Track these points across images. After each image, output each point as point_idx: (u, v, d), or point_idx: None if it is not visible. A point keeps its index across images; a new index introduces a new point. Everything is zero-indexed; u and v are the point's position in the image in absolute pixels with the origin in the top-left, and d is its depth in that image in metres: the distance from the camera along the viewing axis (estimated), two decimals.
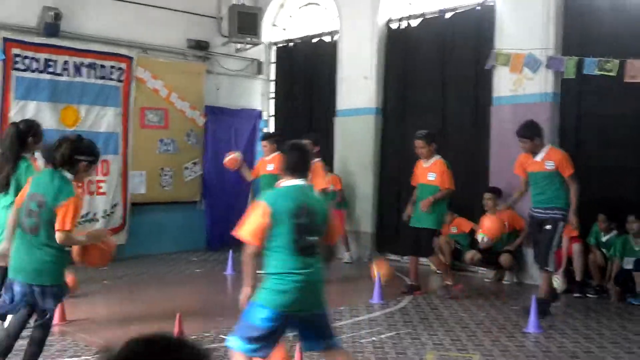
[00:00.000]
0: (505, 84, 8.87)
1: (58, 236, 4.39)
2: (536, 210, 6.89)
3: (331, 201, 10.25)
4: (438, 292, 7.73)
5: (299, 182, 3.92)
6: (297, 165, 3.94)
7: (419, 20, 10.24)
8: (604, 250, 7.77)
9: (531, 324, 6.07)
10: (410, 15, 10.36)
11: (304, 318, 3.87)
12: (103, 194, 10.40)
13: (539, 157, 6.85)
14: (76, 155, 4.55)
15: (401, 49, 10.39)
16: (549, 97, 8.53)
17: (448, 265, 8.42)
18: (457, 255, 9.38)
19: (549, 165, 6.76)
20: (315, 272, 3.86)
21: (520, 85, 8.74)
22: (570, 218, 6.72)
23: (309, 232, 3.81)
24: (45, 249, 4.42)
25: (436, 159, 7.75)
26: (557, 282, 7.82)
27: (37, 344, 4.58)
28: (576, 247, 7.80)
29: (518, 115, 8.67)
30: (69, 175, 4.54)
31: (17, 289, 4.40)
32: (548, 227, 6.70)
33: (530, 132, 6.85)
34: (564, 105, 8.57)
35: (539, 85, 8.59)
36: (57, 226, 4.38)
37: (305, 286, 3.81)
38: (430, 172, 7.67)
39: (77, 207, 4.50)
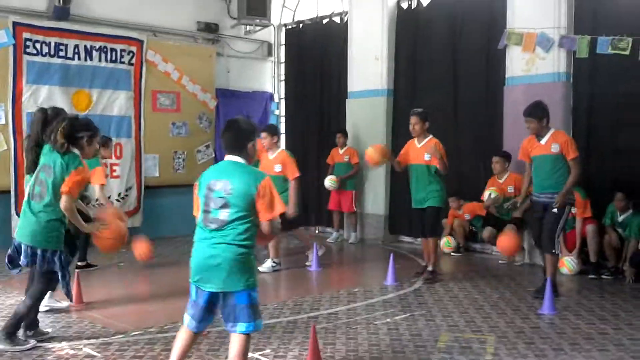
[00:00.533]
0: (517, 63, 8.80)
1: (62, 199, 4.87)
2: (542, 195, 6.74)
3: (347, 174, 10.42)
4: (424, 277, 7.58)
5: (232, 158, 3.95)
6: (230, 143, 3.97)
7: None
8: (619, 230, 7.73)
9: (546, 306, 6.08)
10: None
11: (214, 294, 3.83)
12: (117, 177, 10.47)
13: (544, 140, 6.75)
14: (75, 133, 5.04)
15: (412, 29, 10.32)
16: (562, 77, 8.46)
17: (438, 255, 8.10)
18: (472, 237, 9.43)
19: (555, 149, 6.66)
20: (220, 247, 3.78)
21: (533, 64, 8.67)
22: (558, 197, 6.55)
23: (221, 206, 3.79)
24: (46, 214, 4.94)
25: (430, 138, 7.57)
26: (572, 264, 7.82)
27: (30, 295, 5.14)
28: (590, 228, 7.77)
29: (531, 95, 8.61)
30: (76, 151, 5.04)
31: (22, 249, 5.00)
32: (555, 210, 6.61)
33: (538, 112, 6.74)
34: (577, 85, 8.50)
35: (551, 64, 8.52)
36: (62, 189, 4.88)
37: (208, 260, 3.80)
38: (426, 152, 7.45)
39: (83, 177, 5.00)
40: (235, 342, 3.83)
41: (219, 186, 3.83)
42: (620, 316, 5.97)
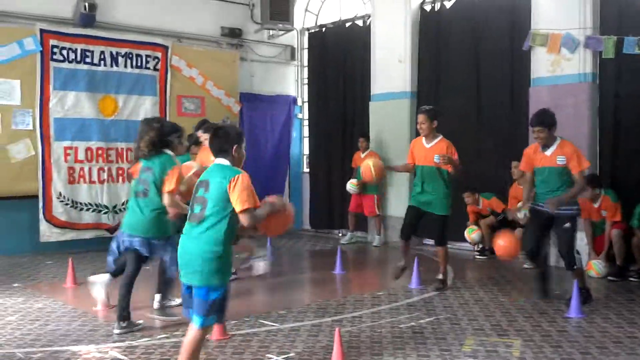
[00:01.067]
0: (542, 64, 8.73)
1: (165, 198, 5.50)
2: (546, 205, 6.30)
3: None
4: (435, 285, 7.31)
5: (218, 161, 4.21)
6: (217, 147, 4.22)
7: (453, 1, 10.11)
8: None
9: (573, 309, 6.01)
10: None
11: (187, 285, 4.08)
12: None
13: (549, 152, 6.37)
14: (165, 137, 5.71)
15: (435, 31, 10.28)
16: (587, 78, 8.38)
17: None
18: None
19: (561, 161, 6.27)
20: (193, 241, 4.02)
21: (558, 65, 8.59)
22: (552, 199, 6.19)
23: (200, 203, 4.05)
24: (150, 208, 5.57)
25: (440, 139, 7.19)
26: (599, 267, 7.73)
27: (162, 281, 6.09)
28: (615, 232, 7.67)
29: (556, 96, 8.57)
30: (169, 152, 5.73)
31: (124, 239, 5.63)
32: (567, 225, 6.28)
33: (548, 120, 6.32)
34: (603, 86, 8.41)
35: (577, 65, 8.43)
36: (163, 189, 5.50)
37: (183, 254, 4.08)
38: (435, 154, 7.06)
39: (179, 174, 5.57)
40: (190, 331, 4.06)
41: (202, 185, 4.10)
42: None
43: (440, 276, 7.39)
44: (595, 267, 7.73)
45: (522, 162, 6.76)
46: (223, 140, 4.22)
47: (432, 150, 7.12)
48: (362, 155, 10.71)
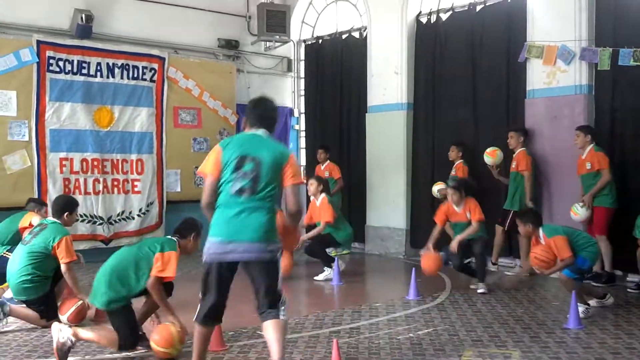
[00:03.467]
0: (538, 76, 8.76)
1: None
2: None
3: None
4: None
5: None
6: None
7: (449, 14, 10.16)
8: None
9: (571, 320, 6.00)
10: (439, 9, 10.29)
11: None
12: (138, 192, 10.57)
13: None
14: None
15: (431, 43, 10.32)
16: (583, 89, 8.41)
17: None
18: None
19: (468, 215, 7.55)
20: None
21: (554, 77, 8.63)
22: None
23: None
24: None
25: (467, 199, 7.82)
26: (579, 209, 7.91)
27: None
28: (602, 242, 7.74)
29: (552, 108, 8.62)
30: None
31: None
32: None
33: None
34: (599, 98, 8.44)
35: (572, 77, 8.47)
36: None
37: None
38: (467, 212, 7.78)
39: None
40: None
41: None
42: None
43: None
44: (574, 209, 7.90)
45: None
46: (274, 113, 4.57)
47: (464, 211, 7.84)
48: (322, 167, 10.80)
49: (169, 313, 5.27)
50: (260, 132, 4.32)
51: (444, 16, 10.22)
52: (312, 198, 9.03)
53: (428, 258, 7.65)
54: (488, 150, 9.00)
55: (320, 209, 8.71)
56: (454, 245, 7.66)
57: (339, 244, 8.91)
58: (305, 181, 4.23)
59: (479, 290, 7.57)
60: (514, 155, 8.72)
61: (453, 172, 9.43)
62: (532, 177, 8.54)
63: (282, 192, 4.26)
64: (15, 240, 6.93)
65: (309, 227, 8.97)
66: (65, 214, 6.35)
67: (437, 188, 9.52)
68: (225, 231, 4.15)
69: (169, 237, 5.62)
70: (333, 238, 8.76)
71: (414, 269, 7.71)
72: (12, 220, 7.21)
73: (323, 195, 8.78)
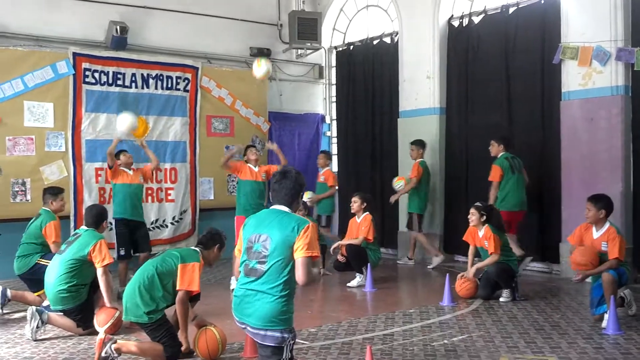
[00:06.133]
0: (573, 78, 8.63)
1: None
2: None
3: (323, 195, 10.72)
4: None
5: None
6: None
7: (481, 16, 10.08)
8: None
9: (610, 325, 5.87)
10: (471, 12, 10.21)
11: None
12: (172, 201, 10.67)
13: (597, 234, 6.41)
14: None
15: (463, 47, 10.24)
16: (620, 90, 8.25)
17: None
18: None
19: (604, 247, 6.32)
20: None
21: (590, 79, 8.49)
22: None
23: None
24: None
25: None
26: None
27: None
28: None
29: (588, 110, 8.47)
30: None
31: None
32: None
33: (604, 202, 6.42)
34: (636, 99, 8.27)
35: (609, 78, 8.32)
36: None
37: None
38: (485, 240, 7.60)
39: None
40: None
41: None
42: None
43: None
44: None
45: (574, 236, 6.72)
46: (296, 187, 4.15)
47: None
48: (320, 172, 10.91)
49: (183, 330, 5.32)
50: (281, 207, 4.11)
51: (476, 19, 10.13)
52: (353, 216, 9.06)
53: (463, 286, 7.63)
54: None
55: (362, 226, 8.66)
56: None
57: (371, 263, 8.69)
58: (318, 255, 3.99)
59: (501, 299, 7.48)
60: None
61: None
62: (497, 185, 8.74)
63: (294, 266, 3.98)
64: (46, 245, 7.19)
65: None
66: (103, 223, 6.55)
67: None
68: (237, 311, 4.06)
69: (192, 247, 5.66)
70: (367, 255, 8.65)
71: (447, 275, 7.62)
72: (35, 226, 7.35)
73: (366, 213, 8.73)
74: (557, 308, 6.95)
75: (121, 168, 8.51)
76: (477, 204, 7.88)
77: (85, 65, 9.89)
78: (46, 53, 9.69)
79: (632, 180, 8.27)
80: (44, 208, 7.48)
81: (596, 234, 6.39)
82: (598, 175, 8.35)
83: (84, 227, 6.51)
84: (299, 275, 3.89)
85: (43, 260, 7.02)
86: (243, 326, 4.05)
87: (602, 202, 6.40)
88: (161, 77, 10.61)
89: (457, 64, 10.35)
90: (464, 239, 7.94)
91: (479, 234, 7.68)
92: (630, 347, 5.42)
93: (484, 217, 7.64)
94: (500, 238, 7.54)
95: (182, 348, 5.28)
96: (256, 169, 9.04)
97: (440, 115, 10.47)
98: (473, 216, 7.70)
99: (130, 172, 8.58)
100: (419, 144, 10.10)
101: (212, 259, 5.64)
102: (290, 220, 3.98)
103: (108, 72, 10.10)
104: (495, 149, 8.92)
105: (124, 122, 8.29)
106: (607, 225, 6.35)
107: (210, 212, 10.99)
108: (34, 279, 7.07)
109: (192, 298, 5.52)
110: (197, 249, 5.55)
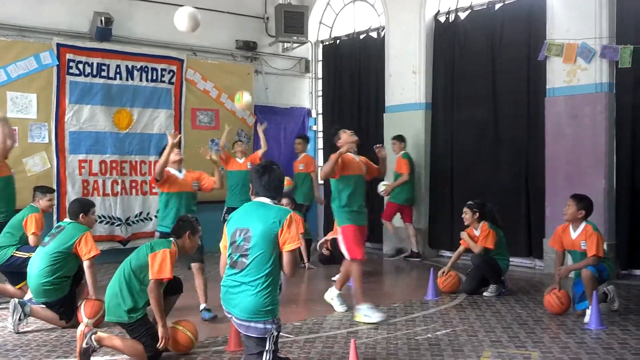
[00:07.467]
0: (558, 74, 8.68)
1: None
2: None
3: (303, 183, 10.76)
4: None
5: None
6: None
7: (467, 12, 10.10)
8: None
9: (592, 320, 5.92)
10: (458, 8, 10.23)
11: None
12: (156, 193, 10.56)
13: (575, 234, 6.49)
14: None
15: (449, 43, 10.26)
16: (604, 88, 8.31)
17: None
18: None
19: (584, 246, 6.37)
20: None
21: (575, 75, 8.54)
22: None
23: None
24: None
25: (483, 223, 7.58)
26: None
27: None
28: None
29: (573, 106, 8.53)
30: None
31: None
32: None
33: (585, 203, 6.46)
34: (620, 96, 8.33)
35: (593, 75, 8.38)
36: None
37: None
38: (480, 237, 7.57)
39: None
40: None
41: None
42: None
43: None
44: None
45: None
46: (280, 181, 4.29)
47: (482, 234, 7.60)
48: (299, 159, 10.92)
49: (160, 319, 5.07)
50: (264, 200, 4.17)
51: (463, 15, 10.15)
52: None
53: (447, 283, 7.66)
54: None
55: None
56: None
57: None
58: (300, 243, 4.05)
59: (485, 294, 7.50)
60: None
61: None
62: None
63: (281, 258, 4.05)
64: (24, 238, 7.10)
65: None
66: (80, 216, 6.38)
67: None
68: (224, 301, 4.12)
69: (164, 238, 5.62)
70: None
71: (432, 269, 7.65)
72: (16, 219, 7.27)
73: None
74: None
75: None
76: (469, 202, 7.84)
77: (69, 56, 9.79)
78: (30, 43, 9.58)
79: (615, 177, 8.33)
80: (31, 204, 7.39)
81: (574, 234, 6.46)
82: (582, 171, 8.42)
83: (67, 220, 6.46)
84: (288, 269, 4.03)
85: (19, 252, 6.97)
86: (230, 315, 4.12)
87: (584, 202, 6.47)
88: (146, 69, 10.54)
89: (443, 59, 10.37)
90: (461, 243, 7.83)
91: (475, 232, 7.68)
92: (612, 342, 5.47)
93: (477, 215, 7.64)
94: (497, 234, 7.57)
95: (161, 345, 5.03)
96: (241, 161, 9.65)
97: (426, 110, 10.49)
98: (466, 215, 7.70)
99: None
100: (399, 138, 10.38)
101: (188, 247, 5.51)
102: (271, 212, 4.06)
103: (92, 63, 10.01)
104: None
105: (183, 18, 7.49)
106: (583, 224, 6.42)
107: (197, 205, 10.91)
108: (13, 272, 7.02)
109: (173, 291, 5.49)
110: (170, 239, 5.50)
